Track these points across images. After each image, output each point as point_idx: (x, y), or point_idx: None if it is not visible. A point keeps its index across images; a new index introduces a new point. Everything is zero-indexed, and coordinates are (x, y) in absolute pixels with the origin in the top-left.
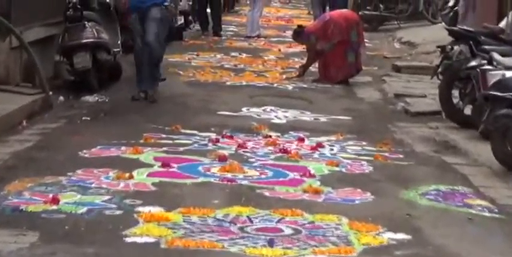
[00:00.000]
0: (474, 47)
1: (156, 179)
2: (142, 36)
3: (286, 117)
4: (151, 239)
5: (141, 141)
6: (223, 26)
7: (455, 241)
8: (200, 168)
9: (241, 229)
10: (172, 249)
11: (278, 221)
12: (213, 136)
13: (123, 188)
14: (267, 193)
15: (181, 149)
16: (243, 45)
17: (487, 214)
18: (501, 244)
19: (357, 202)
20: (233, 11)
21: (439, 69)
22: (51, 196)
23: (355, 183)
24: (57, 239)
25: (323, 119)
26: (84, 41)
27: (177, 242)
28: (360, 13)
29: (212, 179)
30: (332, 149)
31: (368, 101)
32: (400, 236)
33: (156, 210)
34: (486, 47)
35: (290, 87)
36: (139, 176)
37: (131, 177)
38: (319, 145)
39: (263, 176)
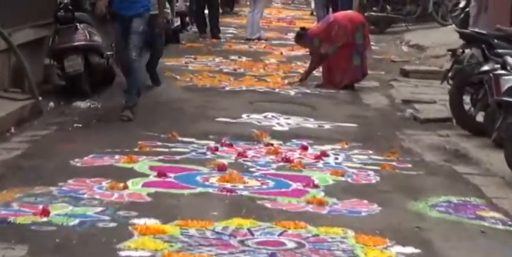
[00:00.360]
0: (487, 51)
1: (152, 190)
2: (123, 50)
3: (288, 124)
4: (146, 253)
5: (136, 149)
6: (221, 28)
7: (467, 255)
8: (198, 178)
9: (242, 242)
10: None
11: (280, 234)
12: (212, 143)
13: (117, 199)
14: (268, 205)
15: (178, 157)
16: (243, 48)
17: (500, 226)
18: None
19: (363, 213)
20: (232, 12)
21: (450, 74)
22: (41, 207)
23: (361, 194)
24: (47, 253)
25: (327, 126)
26: (76, 43)
27: (174, 256)
28: (365, 14)
29: (211, 190)
30: (337, 158)
31: (375, 107)
32: (409, 250)
33: (152, 222)
34: (499, 50)
35: (292, 92)
36: (134, 186)
37: (125, 187)
38: (323, 154)
39: (264, 186)
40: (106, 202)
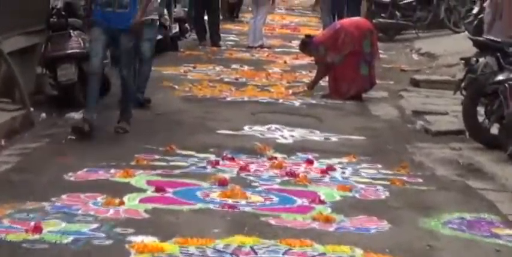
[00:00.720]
0: (502, 59)
1: (149, 206)
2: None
3: (292, 136)
4: None
5: (133, 163)
6: (222, 35)
7: None
8: (198, 193)
9: None
10: None
11: (285, 253)
12: (212, 157)
13: (113, 215)
14: (272, 221)
15: (176, 172)
16: (245, 57)
17: None
18: None
19: (372, 231)
20: (237, 19)
21: (463, 84)
22: (33, 223)
23: (370, 210)
24: None
25: (334, 138)
26: (69, 51)
27: None
28: (374, 21)
29: (211, 206)
30: (344, 173)
31: (384, 118)
32: None
33: (150, 240)
34: None
35: (297, 103)
36: (131, 202)
37: (122, 203)
38: (330, 168)
39: (268, 202)
40: (101, 219)
